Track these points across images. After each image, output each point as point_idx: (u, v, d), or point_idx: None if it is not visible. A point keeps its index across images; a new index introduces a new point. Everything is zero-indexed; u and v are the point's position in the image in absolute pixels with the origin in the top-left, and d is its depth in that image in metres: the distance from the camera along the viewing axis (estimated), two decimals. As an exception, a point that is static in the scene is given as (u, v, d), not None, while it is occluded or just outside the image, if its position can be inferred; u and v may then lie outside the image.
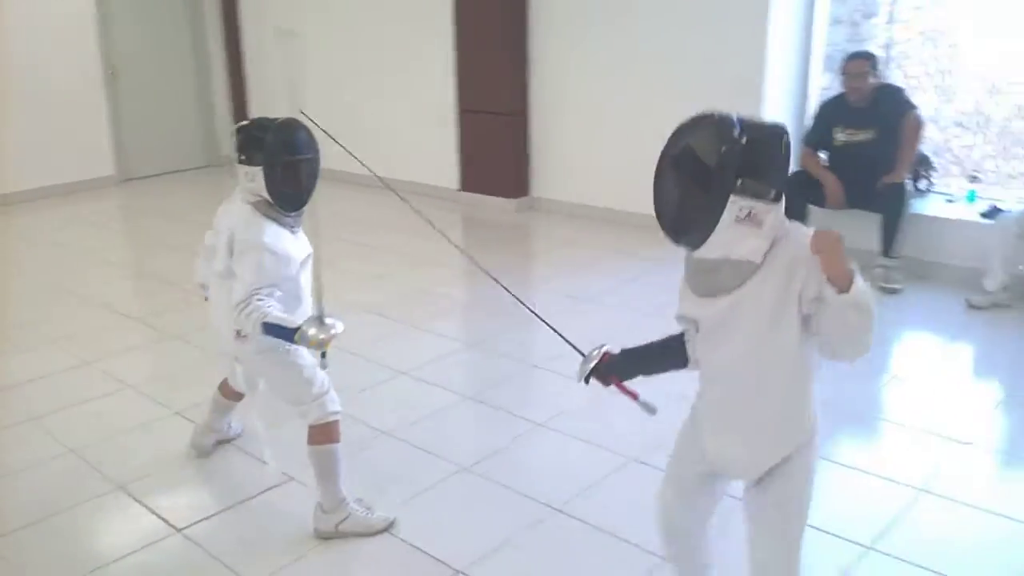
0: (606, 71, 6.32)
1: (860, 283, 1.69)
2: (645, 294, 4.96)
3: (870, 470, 3.13)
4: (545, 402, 3.74)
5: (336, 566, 2.72)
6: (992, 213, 4.84)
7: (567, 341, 2.12)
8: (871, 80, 5.02)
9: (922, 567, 2.57)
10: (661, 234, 1.79)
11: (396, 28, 7.55)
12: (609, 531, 2.80)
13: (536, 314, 2.30)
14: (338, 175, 5.06)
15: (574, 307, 4.79)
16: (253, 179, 2.66)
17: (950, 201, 5.32)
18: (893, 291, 4.89)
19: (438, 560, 2.70)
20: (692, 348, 1.96)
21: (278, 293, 2.66)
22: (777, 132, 1.74)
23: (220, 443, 3.37)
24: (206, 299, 2.96)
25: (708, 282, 1.82)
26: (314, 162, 2.70)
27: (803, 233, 1.75)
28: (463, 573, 2.63)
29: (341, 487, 2.82)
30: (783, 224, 1.76)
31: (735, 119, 1.71)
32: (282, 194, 2.67)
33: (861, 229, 5.08)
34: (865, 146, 5.00)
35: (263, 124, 2.71)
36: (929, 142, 5.46)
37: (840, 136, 5.09)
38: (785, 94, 5.77)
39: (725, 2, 5.70)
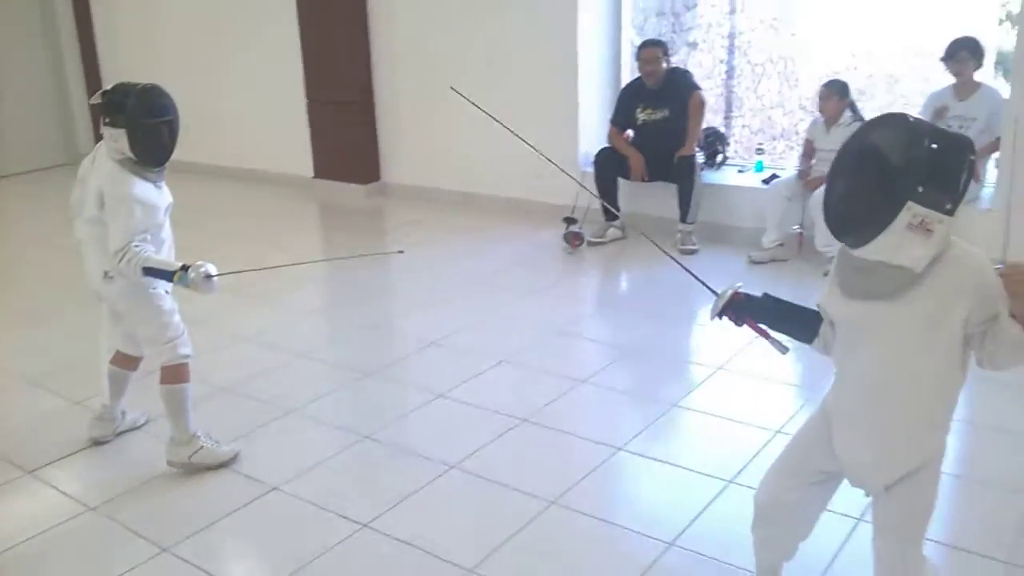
0: (441, 57, 6.78)
1: None
2: (487, 267, 5.52)
3: (731, 416, 3.47)
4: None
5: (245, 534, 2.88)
6: (770, 180, 5.54)
7: (701, 281, 2.18)
8: (663, 65, 5.64)
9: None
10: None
11: (242, 17, 7.85)
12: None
13: (677, 260, 2.42)
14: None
15: (419, 278, 5.31)
16: (117, 140, 2.88)
17: (741, 171, 6.02)
18: (691, 252, 5.55)
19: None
20: (824, 339, 1.98)
21: (148, 239, 2.92)
22: (964, 145, 1.70)
23: (122, 433, 3.47)
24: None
25: (860, 283, 1.79)
26: (174, 123, 2.96)
27: (973, 258, 1.73)
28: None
29: (191, 423, 3.13)
30: (950, 240, 1.71)
31: (926, 124, 1.71)
32: (145, 153, 2.90)
33: (663, 199, 5.73)
34: (661, 124, 5.64)
35: (125, 90, 2.94)
36: (777, 124, 6.14)
37: (641, 116, 5.71)
38: (599, 78, 6.34)
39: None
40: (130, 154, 2.89)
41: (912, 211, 1.64)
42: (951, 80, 5.13)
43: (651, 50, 5.61)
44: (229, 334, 4.50)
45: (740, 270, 5.28)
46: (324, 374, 4.15)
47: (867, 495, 2.00)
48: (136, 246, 2.88)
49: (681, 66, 6.19)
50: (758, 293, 2.09)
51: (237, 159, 8.24)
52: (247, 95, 8.05)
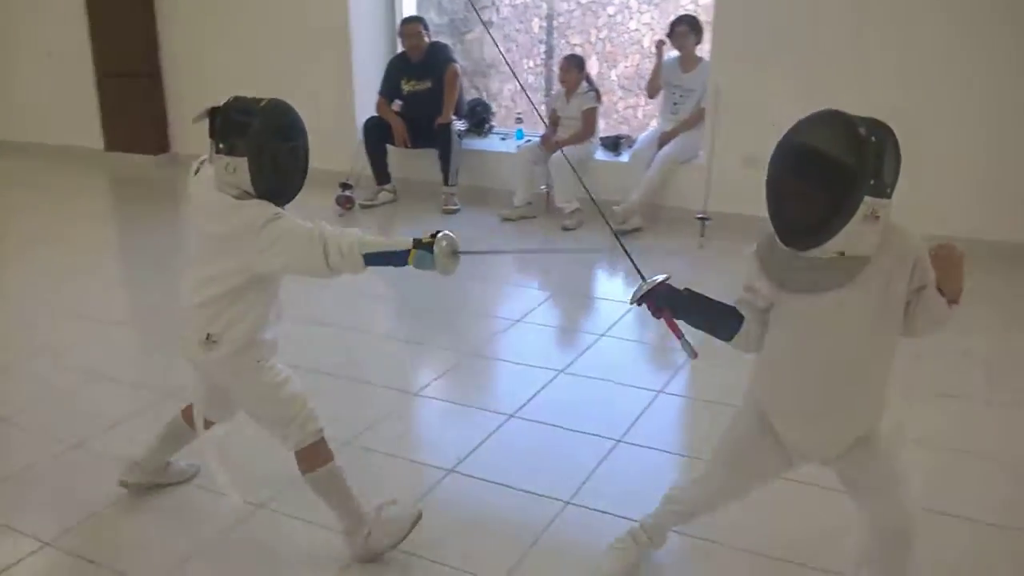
0: (223, 30, 7.02)
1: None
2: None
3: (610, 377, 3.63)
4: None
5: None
6: (519, 145, 6.10)
7: (636, 267, 2.12)
8: (425, 40, 6.09)
9: (666, 451, 3.11)
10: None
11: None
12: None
13: (622, 244, 2.34)
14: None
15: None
16: (234, 171, 2.19)
17: (503, 139, 6.56)
18: (452, 212, 6.05)
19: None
20: (749, 337, 1.96)
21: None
22: (889, 130, 1.75)
23: (158, 487, 2.81)
24: None
25: (811, 279, 1.81)
26: (304, 150, 2.30)
27: (908, 231, 1.81)
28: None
29: (357, 502, 2.46)
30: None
31: (857, 119, 1.73)
32: (272, 185, 2.22)
33: (428, 164, 6.20)
34: (424, 95, 6.11)
35: (246, 106, 2.23)
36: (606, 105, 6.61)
37: (406, 87, 6.16)
38: (375, 51, 6.73)
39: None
40: (249, 188, 2.21)
41: (867, 204, 1.69)
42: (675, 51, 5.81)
43: (412, 25, 6.07)
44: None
45: (493, 227, 5.82)
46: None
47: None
48: (335, 230, 2.21)
49: (441, 41, 6.65)
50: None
51: (20, 133, 8.16)
52: (34, 68, 7.99)
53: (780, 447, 2.00)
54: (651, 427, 3.21)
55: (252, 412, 2.46)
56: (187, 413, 2.61)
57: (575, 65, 5.81)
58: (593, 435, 3.12)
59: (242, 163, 2.17)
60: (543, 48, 11.69)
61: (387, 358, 3.99)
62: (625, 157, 5.96)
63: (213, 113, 2.25)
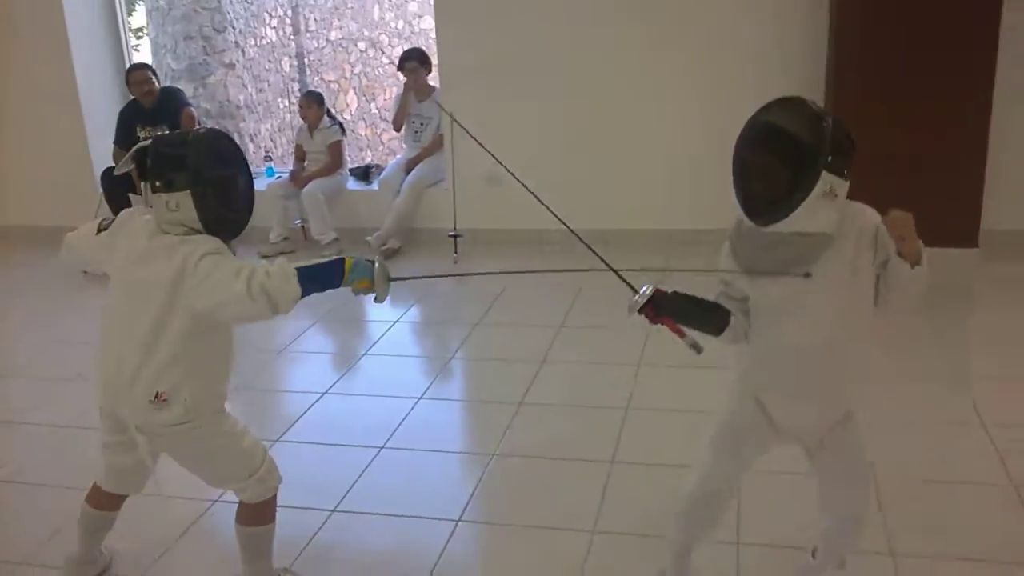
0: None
1: (925, 258, 1.86)
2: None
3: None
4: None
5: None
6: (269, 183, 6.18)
7: (623, 279, 2.06)
8: (156, 86, 6.03)
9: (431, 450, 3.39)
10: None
11: None
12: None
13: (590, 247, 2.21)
14: None
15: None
16: (177, 207, 2.06)
17: (254, 177, 6.58)
18: (208, 255, 6.00)
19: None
20: (736, 330, 1.99)
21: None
22: (838, 116, 1.87)
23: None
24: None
25: (774, 258, 1.88)
26: (248, 175, 2.21)
27: (864, 208, 1.90)
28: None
29: (272, 566, 2.42)
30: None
31: (816, 104, 1.86)
32: (218, 219, 2.10)
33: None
34: (162, 141, 6.02)
35: (176, 139, 2.15)
36: (362, 136, 6.66)
37: (141, 134, 6.05)
38: (103, 102, 6.55)
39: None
40: (196, 224, 2.08)
41: (824, 180, 1.79)
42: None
43: (139, 72, 5.98)
44: None
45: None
46: None
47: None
48: (264, 258, 2.20)
49: (173, 85, 6.60)
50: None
51: None
52: None
53: (772, 427, 2.06)
54: (412, 432, 3.41)
55: (204, 469, 2.27)
56: (94, 498, 2.40)
57: (314, 101, 5.98)
58: (359, 446, 3.26)
59: (184, 197, 2.04)
60: (296, 87, 11.78)
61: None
62: (376, 185, 6.18)
63: (140, 154, 2.14)
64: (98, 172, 6.27)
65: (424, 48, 6.57)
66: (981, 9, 4.64)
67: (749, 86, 5.24)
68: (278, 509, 2.35)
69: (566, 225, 2.31)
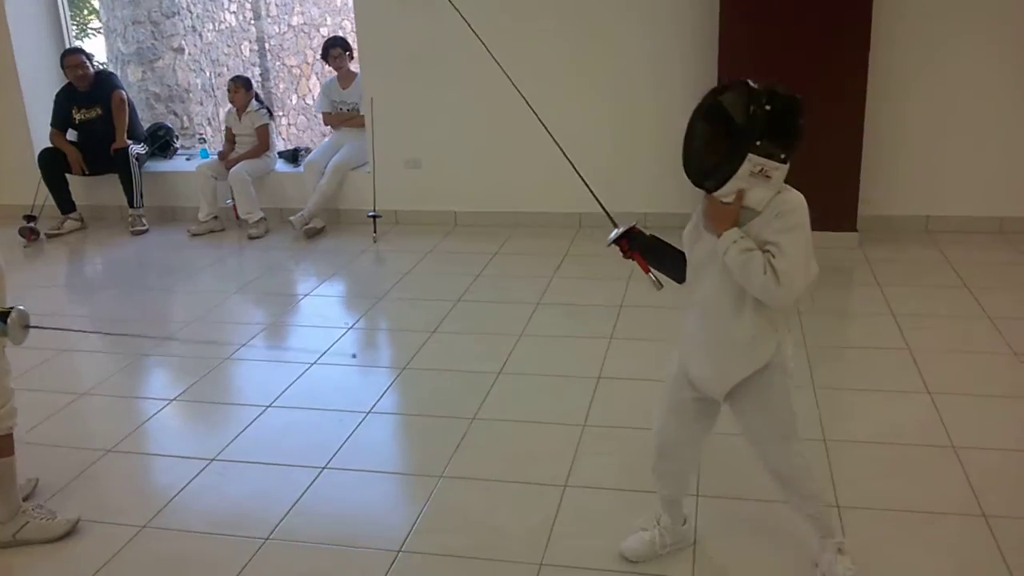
0: None
1: (729, 237, 1.99)
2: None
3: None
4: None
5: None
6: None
7: (607, 212, 2.38)
8: (90, 70, 6.28)
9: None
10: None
11: None
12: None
13: (590, 188, 2.67)
14: None
15: None
16: None
17: (188, 159, 6.86)
18: (141, 232, 6.28)
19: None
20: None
21: None
22: (795, 105, 1.94)
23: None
24: None
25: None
26: None
27: (792, 195, 2.02)
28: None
29: (17, 496, 2.73)
30: (783, 183, 2.00)
31: (764, 89, 1.93)
32: None
33: (112, 189, 6.38)
34: (96, 122, 6.31)
35: None
36: None
37: (77, 116, 6.31)
38: (44, 85, 6.77)
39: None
40: None
41: (752, 161, 1.92)
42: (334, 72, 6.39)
43: (73, 57, 6.24)
44: None
45: (183, 242, 6.12)
46: None
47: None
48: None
49: (107, 69, 6.83)
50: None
51: None
52: None
53: (688, 379, 2.23)
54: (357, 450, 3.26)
55: None
56: None
57: (242, 85, 6.25)
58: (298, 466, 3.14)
59: None
60: (257, 71, 11.98)
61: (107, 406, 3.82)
62: (303, 168, 6.45)
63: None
64: (37, 152, 6.51)
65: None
66: (854, 13, 4.97)
67: (650, 85, 5.63)
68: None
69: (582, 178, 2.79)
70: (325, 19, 13.58)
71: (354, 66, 6.37)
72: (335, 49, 6.29)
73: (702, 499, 2.78)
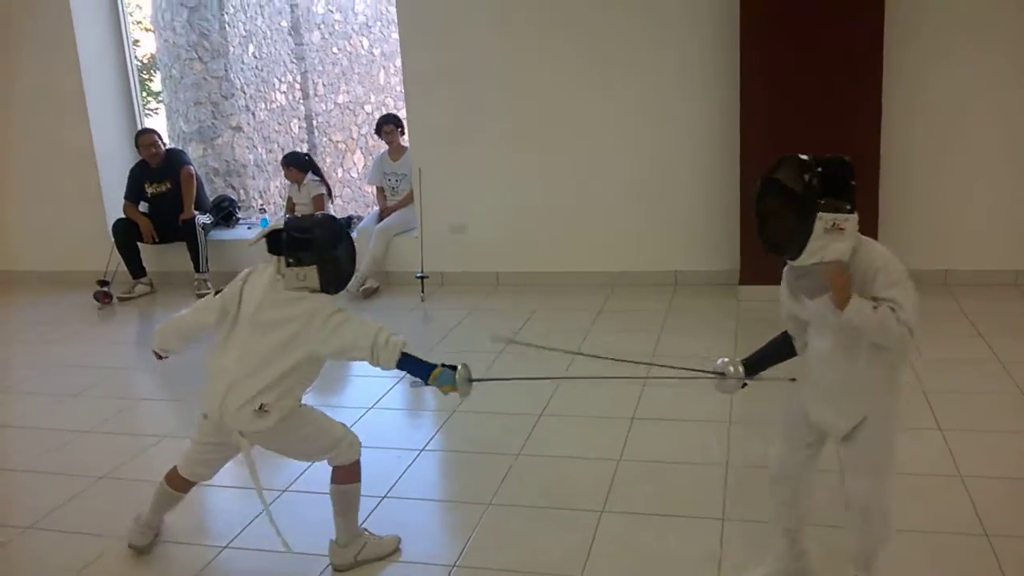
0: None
1: (853, 307, 2.11)
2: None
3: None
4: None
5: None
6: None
7: (700, 371, 2.59)
8: (161, 147, 6.85)
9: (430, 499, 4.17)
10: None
11: None
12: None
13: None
14: None
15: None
16: (305, 277, 2.69)
17: (249, 228, 7.38)
18: (206, 295, 6.72)
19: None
20: (800, 342, 2.42)
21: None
22: (843, 160, 2.17)
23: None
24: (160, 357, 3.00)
25: (807, 286, 2.22)
26: (352, 245, 2.85)
27: (872, 246, 2.21)
28: None
29: (358, 521, 3.00)
30: (858, 233, 2.18)
31: (811, 157, 2.16)
32: (336, 282, 2.77)
33: (180, 257, 6.89)
34: (166, 195, 6.86)
35: (303, 226, 2.76)
36: (367, 192, 7.42)
37: (149, 189, 6.87)
38: (117, 161, 7.36)
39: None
40: (318, 287, 2.71)
41: (823, 219, 2.10)
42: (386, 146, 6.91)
43: (147, 136, 6.83)
44: None
45: (244, 304, 6.57)
46: None
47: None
48: (392, 334, 2.72)
49: (176, 147, 7.43)
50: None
51: None
52: None
53: (808, 420, 2.42)
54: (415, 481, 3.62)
55: (301, 448, 2.90)
56: (172, 480, 3.00)
57: (292, 164, 6.80)
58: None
59: (311, 271, 2.67)
60: (306, 146, 12.67)
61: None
62: (355, 233, 6.93)
63: (274, 234, 2.73)
64: (110, 223, 7.06)
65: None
66: (865, 52, 5.31)
67: (680, 110, 5.98)
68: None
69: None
70: (369, 97, 14.26)
71: (403, 140, 6.86)
72: (388, 125, 6.83)
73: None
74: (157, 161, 6.81)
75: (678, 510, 3.20)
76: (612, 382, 4.40)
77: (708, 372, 2.53)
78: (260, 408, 2.70)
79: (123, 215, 6.88)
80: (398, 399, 4.56)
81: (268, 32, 11.49)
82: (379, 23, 13.49)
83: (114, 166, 7.32)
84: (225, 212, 7.34)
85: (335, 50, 13.50)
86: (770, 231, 2.23)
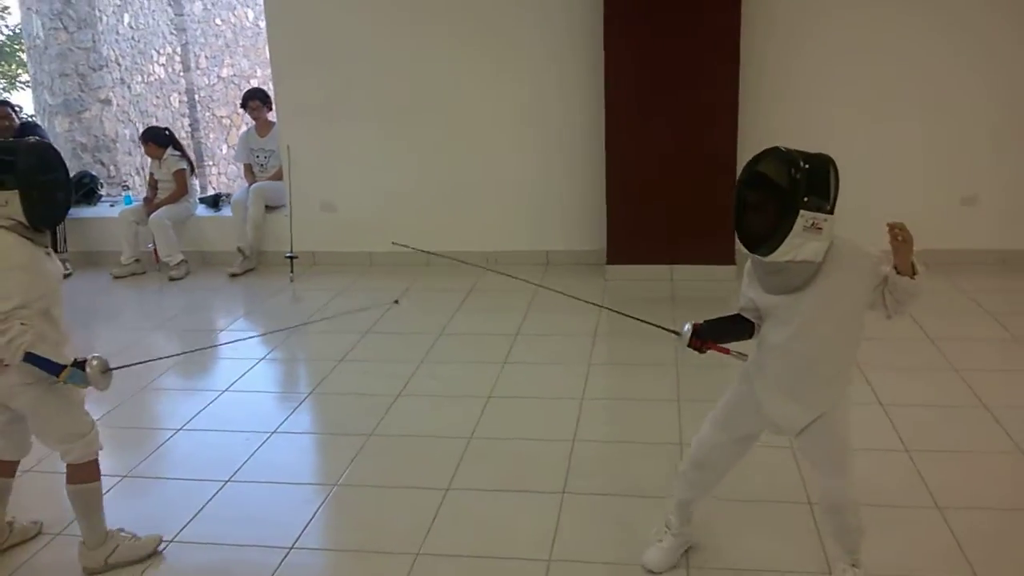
0: None
1: (920, 267, 2.16)
2: None
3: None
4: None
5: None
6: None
7: (662, 327, 2.54)
8: (15, 121, 6.52)
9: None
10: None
11: None
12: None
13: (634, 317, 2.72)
14: None
15: None
16: (6, 203, 2.50)
17: (112, 205, 7.10)
18: (65, 276, 6.43)
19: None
20: (758, 330, 2.38)
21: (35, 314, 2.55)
22: (827, 160, 2.15)
23: (10, 547, 2.96)
24: None
25: (776, 282, 2.24)
26: (67, 180, 2.69)
27: (851, 242, 2.21)
28: None
29: (104, 521, 2.83)
30: (834, 233, 2.17)
31: (796, 151, 2.14)
32: (40, 215, 2.56)
33: (36, 234, 6.57)
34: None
35: (9, 147, 2.60)
36: None
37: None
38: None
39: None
40: (21, 218, 2.53)
41: (804, 217, 2.09)
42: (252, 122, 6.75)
43: (0, 108, 6.46)
44: None
45: (106, 284, 6.35)
46: None
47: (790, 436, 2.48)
48: (22, 324, 2.49)
49: (33, 120, 7.08)
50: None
51: None
52: None
53: (759, 415, 2.43)
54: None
55: (39, 428, 2.71)
56: None
57: (151, 139, 6.57)
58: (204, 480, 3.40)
59: (12, 196, 2.49)
60: (187, 122, 12.21)
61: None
62: (227, 211, 6.75)
63: None
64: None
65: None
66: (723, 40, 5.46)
67: (550, 95, 6.04)
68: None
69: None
70: (255, 71, 13.89)
71: (272, 116, 6.70)
72: (253, 101, 6.66)
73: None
74: (9, 135, 6.46)
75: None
76: (475, 363, 4.49)
77: (667, 328, 2.53)
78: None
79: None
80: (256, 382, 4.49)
81: (145, 2, 11.03)
82: (264, -6, 13.11)
83: (-36, 140, 6.92)
84: (87, 189, 7.05)
85: (218, 21, 13.10)
86: (749, 224, 2.21)
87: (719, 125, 5.51)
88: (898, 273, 2.16)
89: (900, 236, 2.13)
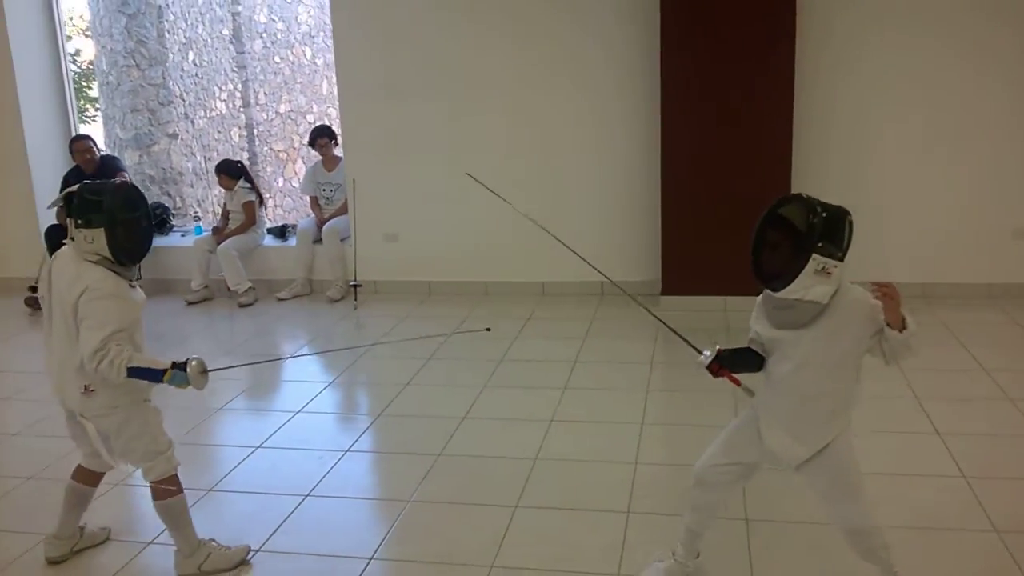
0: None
1: (911, 323, 2.29)
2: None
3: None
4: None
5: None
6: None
7: (685, 340, 2.65)
8: (96, 153, 6.87)
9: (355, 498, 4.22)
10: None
11: None
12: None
13: (670, 327, 2.84)
14: None
15: None
16: (93, 240, 2.68)
17: (183, 235, 7.42)
18: (138, 302, 6.77)
19: None
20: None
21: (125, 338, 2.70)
22: (843, 212, 2.31)
23: (81, 551, 3.17)
24: None
25: (782, 317, 2.37)
26: (149, 218, 2.88)
27: (857, 291, 2.34)
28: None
29: (194, 531, 3.00)
30: (842, 279, 2.31)
31: (815, 199, 2.31)
32: (125, 250, 2.74)
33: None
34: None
35: (97, 188, 2.76)
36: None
37: (82, 196, 6.86)
38: (50, 167, 7.35)
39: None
40: (107, 254, 2.71)
41: (816, 261, 2.24)
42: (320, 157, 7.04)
43: (81, 142, 6.83)
44: None
45: (179, 310, 6.63)
46: None
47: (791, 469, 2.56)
48: (117, 345, 2.66)
49: (111, 154, 7.44)
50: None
51: None
52: None
53: (760, 445, 2.54)
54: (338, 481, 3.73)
55: (123, 447, 2.85)
56: (78, 474, 3.04)
57: (224, 172, 6.88)
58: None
59: (98, 233, 2.66)
60: (246, 155, 12.63)
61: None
62: (292, 242, 7.02)
63: (68, 197, 2.72)
64: (43, 229, 7.04)
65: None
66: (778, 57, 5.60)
67: (610, 131, 6.21)
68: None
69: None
70: (311, 107, 14.29)
71: (338, 151, 6.98)
72: (322, 138, 6.96)
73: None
74: (91, 167, 6.82)
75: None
76: (534, 389, 4.64)
77: (696, 348, 2.57)
78: (86, 389, 2.75)
79: (56, 221, 6.86)
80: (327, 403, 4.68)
81: (209, 40, 11.48)
82: (322, 33, 13.55)
83: (48, 172, 7.29)
84: (159, 219, 7.37)
85: (277, 59, 13.50)
86: (765, 261, 2.35)
87: (773, 160, 5.66)
88: (889, 327, 2.29)
89: (885, 293, 2.26)
